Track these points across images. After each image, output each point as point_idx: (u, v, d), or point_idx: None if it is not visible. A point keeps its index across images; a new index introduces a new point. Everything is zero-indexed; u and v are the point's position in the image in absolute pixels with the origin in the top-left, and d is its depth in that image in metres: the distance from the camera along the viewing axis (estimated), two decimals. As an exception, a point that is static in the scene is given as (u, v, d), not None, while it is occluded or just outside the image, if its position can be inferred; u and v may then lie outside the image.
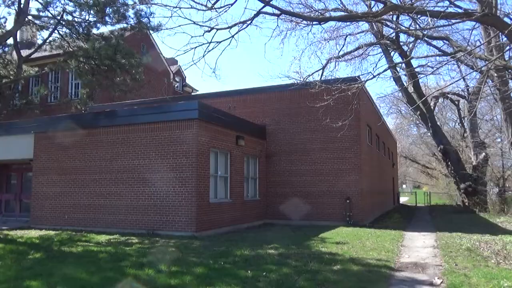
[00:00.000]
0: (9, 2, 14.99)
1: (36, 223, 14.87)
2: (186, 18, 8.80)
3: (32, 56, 20.77)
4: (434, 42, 14.86)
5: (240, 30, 8.27)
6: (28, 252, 9.44)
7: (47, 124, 15.58)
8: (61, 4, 14.49)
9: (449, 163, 25.62)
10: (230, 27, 8.92)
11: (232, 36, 8.49)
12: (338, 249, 9.88)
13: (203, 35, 9.01)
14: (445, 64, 10.53)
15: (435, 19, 7.48)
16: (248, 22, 8.21)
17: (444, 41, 14.37)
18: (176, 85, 34.08)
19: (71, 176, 14.54)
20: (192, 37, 8.88)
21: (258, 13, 8.19)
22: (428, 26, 8.36)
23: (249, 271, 7.40)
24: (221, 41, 8.50)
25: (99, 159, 14.07)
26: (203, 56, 8.67)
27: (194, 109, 12.93)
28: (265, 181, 17.81)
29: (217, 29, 9.15)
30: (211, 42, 8.56)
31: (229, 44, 10.41)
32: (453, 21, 7.78)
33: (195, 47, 8.46)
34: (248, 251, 9.53)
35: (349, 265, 8.03)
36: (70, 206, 14.41)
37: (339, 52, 18.12)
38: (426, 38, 10.31)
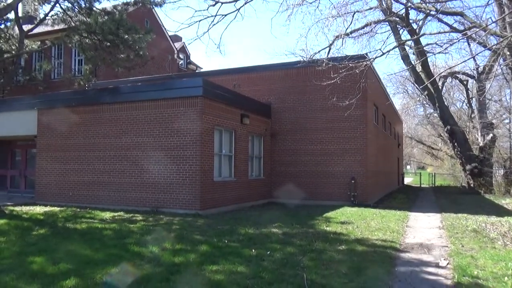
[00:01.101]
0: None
1: (41, 200, 14.93)
2: (190, -9, 8.49)
3: (35, 32, 20.45)
4: (446, 19, 14.39)
5: (246, 3, 7.99)
6: (33, 228, 9.46)
7: (50, 100, 15.45)
8: (63, -24, 14.10)
9: (455, 144, 25.36)
10: (235, 0, 8.62)
11: (238, 10, 8.22)
12: (343, 229, 9.83)
13: (207, 9, 8.77)
14: (456, 41, 10.18)
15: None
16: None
17: (456, 17, 13.93)
18: (180, 63, 33.69)
19: (75, 153, 14.49)
20: (196, 11, 8.62)
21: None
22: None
23: (253, 250, 7.37)
24: (226, 14, 8.23)
25: (103, 136, 13.98)
26: (208, 30, 8.42)
27: (199, 86, 12.71)
28: (270, 160, 17.71)
29: (222, 3, 8.85)
30: (216, 15, 8.29)
31: (234, 18, 10.12)
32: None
33: (200, 21, 8.23)
34: (253, 229, 9.50)
35: (354, 245, 7.97)
36: (75, 183, 14.42)
37: (346, 29, 17.69)
38: (438, 14, 9.93)
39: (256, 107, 16.68)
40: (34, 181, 15.95)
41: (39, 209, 13.07)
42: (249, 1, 8.10)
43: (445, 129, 26.32)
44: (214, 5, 8.77)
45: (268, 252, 7.22)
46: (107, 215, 11.77)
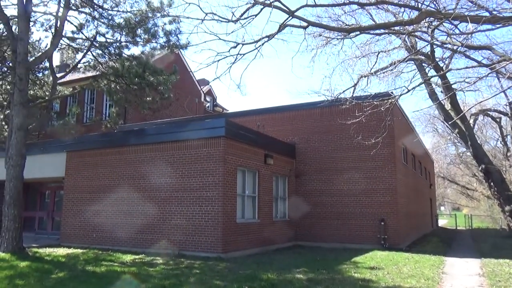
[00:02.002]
0: (47, 26, 15.61)
1: (66, 241, 14.93)
2: (212, 33, 8.62)
3: (69, 79, 21.52)
4: (474, 56, 14.07)
5: (265, 42, 8.02)
6: (52, 271, 9.31)
7: (78, 142, 15.84)
8: (94, 26, 14.85)
9: (491, 183, 24.04)
10: (256, 42, 8.69)
11: (257, 49, 8.24)
12: (372, 275, 9.16)
13: (229, 51, 8.84)
14: (484, 76, 9.79)
15: (476, 24, 6.90)
16: (274, 34, 7.95)
17: (484, 54, 13.57)
18: (207, 105, 34.36)
19: (100, 194, 14.58)
20: (218, 53, 8.69)
21: (284, 25, 7.91)
22: (468, 31, 7.77)
23: (275, 298, 6.88)
24: (246, 53, 8.26)
25: (127, 177, 14.05)
26: (227, 70, 8.46)
27: (221, 127, 12.70)
28: (295, 201, 17.21)
29: (243, 44, 8.94)
30: (235, 55, 8.35)
31: (254, 58, 10.31)
32: (497, 26, 7.16)
33: (218, 61, 8.28)
34: (275, 275, 9.00)
35: (384, 294, 7.34)
36: (99, 225, 14.39)
37: (371, 69, 17.57)
38: (464, 48, 9.66)
39: (280, 147, 16.49)
40: (60, 223, 16.05)
41: (62, 251, 13.00)
42: (269, 40, 8.11)
43: (480, 168, 25.11)
44: (235, 47, 8.86)
45: (291, 301, 6.72)
46: (128, 258, 11.53)
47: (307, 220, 16.90)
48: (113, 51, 15.06)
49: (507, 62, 8.00)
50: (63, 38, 14.66)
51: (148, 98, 14.58)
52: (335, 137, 16.84)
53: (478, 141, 27.17)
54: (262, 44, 8.32)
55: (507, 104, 24.69)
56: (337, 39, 13.05)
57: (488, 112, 28.82)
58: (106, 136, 15.62)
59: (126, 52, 15.08)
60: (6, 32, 14.36)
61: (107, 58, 15.38)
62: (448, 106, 24.11)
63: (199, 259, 11.31)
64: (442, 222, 43.21)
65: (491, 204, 34.75)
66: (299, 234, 16.93)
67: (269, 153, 15.07)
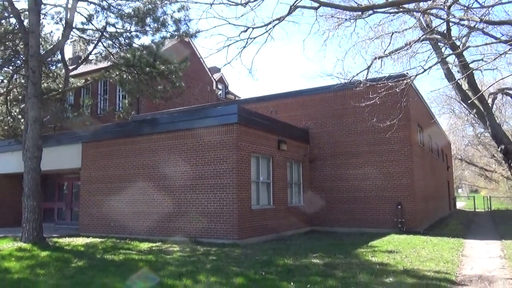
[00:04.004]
0: (58, 18, 15.65)
1: (84, 231, 15.18)
2: (221, 18, 8.47)
3: (81, 71, 21.62)
4: (492, 32, 13.55)
5: (276, 25, 7.83)
6: (72, 260, 9.47)
7: (93, 133, 15.96)
8: (104, 16, 14.81)
9: (511, 164, 23.47)
10: (266, 25, 8.51)
11: (267, 32, 8.06)
12: (390, 259, 9.06)
13: (239, 35, 8.67)
14: (503, 53, 9.41)
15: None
16: (284, 16, 7.76)
17: (503, 30, 13.04)
18: (219, 93, 34.27)
19: (116, 184, 14.72)
20: (228, 38, 8.55)
21: (295, 7, 7.71)
22: (488, 4, 7.42)
23: (291, 283, 6.86)
24: (256, 37, 8.10)
25: (142, 166, 14.13)
26: (238, 54, 8.32)
27: (234, 114, 12.61)
28: (310, 187, 17.12)
29: (254, 28, 8.76)
30: (246, 39, 8.19)
31: (265, 42, 10.11)
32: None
33: (228, 45, 8.12)
34: (292, 260, 8.98)
35: (403, 277, 7.24)
36: (116, 214, 14.56)
37: (385, 50, 17.15)
38: (483, 24, 9.27)
39: (294, 132, 16.34)
40: (78, 213, 16.32)
41: (81, 241, 13.23)
42: (280, 22, 7.92)
43: (499, 149, 24.50)
44: (245, 31, 8.69)
45: (308, 286, 6.69)
46: (145, 246, 11.66)
47: (323, 205, 16.80)
48: (123, 41, 15.03)
49: (529, 37, 7.64)
50: (73, 30, 14.67)
51: (159, 87, 14.57)
52: (349, 120, 16.60)
53: (497, 121, 26.48)
54: (273, 27, 8.13)
55: (527, 82, 23.88)
56: (350, 20, 12.72)
57: (508, 91, 27.96)
58: (120, 126, 15.70)
59: (137, 42, 15.05)
60: (18, 26, 14.44)
61: (118, 49, 15.37)
62: (465, 86, 23.47)
63: (215, 246, 11.37)
64: (460, 204, 42.64)
65: (511, 185, 34.06)
66: (314, 219, 16.87)
67: (283, 139, 14.95)
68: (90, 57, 15.96)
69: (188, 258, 9.56)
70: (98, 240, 13.32)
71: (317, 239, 13.41)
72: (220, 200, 12.28)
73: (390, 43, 18.16)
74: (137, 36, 15.10)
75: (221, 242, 11.77)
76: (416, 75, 10.17)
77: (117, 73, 14.45)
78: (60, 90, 14.99)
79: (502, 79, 20.68)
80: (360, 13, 9.17)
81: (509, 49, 10.01)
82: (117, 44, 15.13)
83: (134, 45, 14.82)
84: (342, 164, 16.59)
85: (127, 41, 14.99)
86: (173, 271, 8.04)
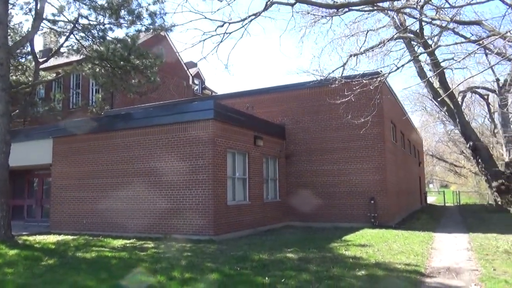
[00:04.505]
0: (27, 9, 15.09)
1: (56, 228, 14.80)
2: (197, 12, 8.37)
3: (52, 64, 21.00)
4: (463, 32, 13.98)
5: (252, 20, 7.82)
6: (42, 259, 9.21)
7: (64, 128, 15.54)
8: (76, 7, 14.40)
9: (479, 160, 24.36)
10: (242, 20, 8.47)
11: (244, 27, 8.04)
12: (363, 253, 9.25)
13: (215, 30, 8.61)
14: (473, 53, 9.72)
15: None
16: (261, 12, 7.75)
17: (473, 30, 13.46)
18: (195, 88, 33.99)
19: (89, 181, 14.41)
20: (204, 33, 8.48)
21: (271, 2, 7.71)
22: (458, 4, 7.65)
23: (266, 278, 6.90)
24: (231, 32, 8.06)
25: (116, 162, 13.87)
26: (214, 49, 8.25)
27: (210, 109, 12.54)
28: (285, 182, 17.25)
29: (230, 23, 8.71)
30: (222, 33, 8.14)
31: (241, 37, 10.04)
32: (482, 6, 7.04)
33: (204, 40, 8.06)
34: (267, 255, 9.04)
35: (375, 270, 7.40)
36: (88, 211, 14.27)
37: (360, 48, 17.42)
38: (454, 24, 9.55)
39: (270, 128, 16.39)
40: (49, 210, 15.89)
41: (52, 238, 12.89)
42: (256, 17, 7.91)
43: (468, 146, 25.39)
44: (222, 26, 8.64)
45: (282, 280, 6.75)
46: (119, 243, 11.48)
47: (298, 200, 16.95)
48: (96, 34, 14.67)
49: (496, 37, 7.92)
50: (44, 21, 14.20)
51: (134, 82, 14.30)
52: (325, 117, 16.78)
53: (466, 119, 27.39)
54: (249, 22, 8.12)
55: (495, 80, 24.78)
56: (326, 17, 12.84)
57: (476, 90, 28.97)
58: (93, 121, 15.34)
59: (110, 35, 14.73)
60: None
61: (90, 41, 14.99)
62: (436, 84, 24.17)
63: (190, 242, 11.30)
64: (431, 199, 43.89)
65: (478, 180, 35.35)
66: (290, 215, 17.01)
67: (259, 135, 14.98)
68: (62, 50, 15.52)
69: (163, 254, 9.47)
70: (70, 237, 13.02)
71: (292, 234, 13.53)
72: (195, 196, 12.20)
73: (365, 41, 18.37)
74: (111, 29, 14.78)
75: (196, 238, 11.72)
76: (389, 72, 10.39)
77: (90, 66, 14.10)
78: (29, 83, 14.53)
79: (471, 77, 21.39)
80: (335, 10, 9.25)
81: (478, 49, 10.35)
82: (90, 37, 14.75)
83: (107, 38, 14.49)
84: (318, 160, 16.78)
85: (100, 33, 14.64)
86: (147, 267, 7.95)
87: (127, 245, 11.09)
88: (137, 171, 13.36)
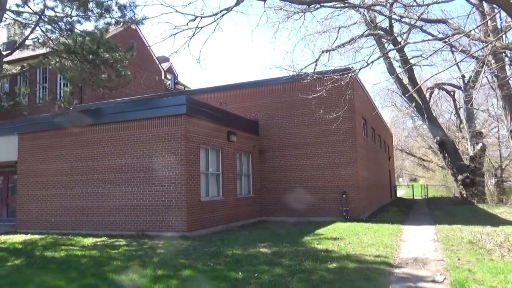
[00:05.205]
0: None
1: (23, 227, 14.31)
2: (168, 5, 8.24)
3: (16, 57, 20.17)
4: (430, 30, 14.42)
5: (224, 14, 7.78)
6: (8, 259, 8.92)
7: (30, 124, 15.02)
8: (41, -2, 13.86)
9: (446, 154, 25.25)
10: (214, 14, 8.41)
11: (216, 21, 7.99)
12: (334, 246, 9.43)
13: (187, 24, 8.51)
14: (440, 50, 10.06)
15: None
16: (233, 6, 7.71)
17: (440, 29, 13.91)
18: (168, 83, 33.52)
19: (57, 178, 14.00)
20: (175, 27, 8.37)
21: (243, -3, 7.68)
22: (425, 2, 7.88)
23: (240, 273, 6.94)
24: (203, 27, 7.99)
25: (85, 159, 13.54)
26: (187, 43, 8.18)
27: (182, 104, 12.42)
28: (259, 178, 17.33)
29: (202, 17, 8.64)
30: (194, 28, 8.06)
31: (213, 32, 9.93)
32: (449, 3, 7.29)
33: (175, 34, 7.96)
34: (240, 250, 9.07)
35: (345, 263, 7.57)
36: (57, 209, 13.87)
37: (332, 44, 17.67)
38: (421, 22, 9.83)
39: (243, 124, 16.40)
40: (15, 209, 15.34)
41: (18, 238, 12.47)
42: (228, 12, 7.87)
43: (435, 140, 26.26)
44: (194, 20, 8.54)
45: (256, 274, 6.80)
46: (89, 241, 11.23)
47: (272, 195, 17.08)
48: (64, 26, 14.18)
49: (461, 35, 8.21)
50: (7, 12, 13.61)
51: (103, 76, 13.94)
52: (298, 112, 16.93)
53: (434, 114, 28.29)
54: (221, 16, 8.07)
55: (460, 77, 25.70)
56: (298, 13, 12.94)
57: (443, 86, 29.94)
58: (61, 117, 14.87)
59: (78, 27, 14.28)
60: None
61: (57, 34, 14.47)
62: (406, 80, 24.83)
63: (163, 239, 11.20)
64: (400, 192, 45.17)
65: (445, 174, 36.62)
66: (264, 210, 17.12)
67: (232, 130, 14.97)
68: (27, 42, 14.93)
69: (135, 252, 9.34)
70: (37, 236, 12.64)
71: (265, 229, 13.63)
72: (168, 192, 12.08)
73: (337, 37, 18.77)
74: (79, 22, 14.33)
75: (169, 235, 11.62)
76: (360, 69, 10.56)
77: (57, 60, 13.65)
78: (-8, 77, 13.91)
79: (438, 73, 22.04)
80: (307, 6, 9.32)
81: (444, 46, 10.71)
82: (57, 29, 14.25)
83: (75, 30, 14.04)
84: (291, 155, 16.93)
85: (68, 26, 14.17)
86: (118, 266, 7.83)
87: (98, 243, 10.87)
88: (108, 167, 13.09)
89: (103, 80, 13.82)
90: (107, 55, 13.00)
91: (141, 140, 12.68)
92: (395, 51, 20.46)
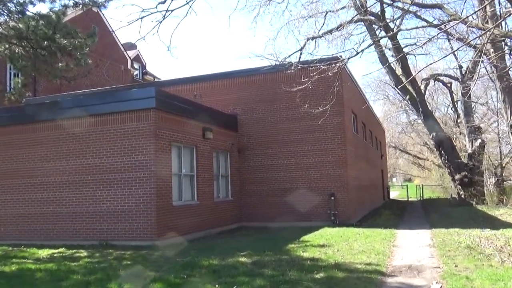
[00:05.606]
0: None
1: (-33, 238, 13.91)
2: (133, -14, 8.14)
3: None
4: (424, 16, 14.71)
5: (197, -4, 7.72)
6: (-51, 275, 8.64)
7: (-24, 120, 14.58)
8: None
9: (442, 152, 25.76)
10: (187, -4, 8.33)
11: (188, 3, 7.91)
12: (322, 254, 9.52)
13: (156, 7, 8.40)
14: (435, 37, 10.25)
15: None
16: (206, -12, 7.66)
17: (435, 14, 14.19)
18: (135, 73, 33.14)
19: (7, 181, 13.67)
20: (143, 9, 8.25)
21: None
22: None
23: (217, 285, 6.93)
24: (175, 9, 7.91)
25: (40, 159, 13.26)
26: (156, 28, 8.06)
27: (151, 97, 12.31)
28: (238, 179, 17.32)
29: (172, -1, 8.54)
30: (164, 11, 7.97)
31: (186, 15, 9.79)
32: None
33: (142, 17, 7.85)
34: (218, 260, 9.05)
35: (334, 272, 7.65)
36: (7, 217, 13.56)
37: (319, 31, 17.79)
38: (415, 7, 9.98)
39: (220, 119, 16.36)
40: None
41: (-38, 250, 12.10)
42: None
43: (431, 136, 26.78)
44: (164, 2, 8.45)
45: (235, 287, 6.80)
46: (45, 253, 11.00)
47: (252, 198, 17.11)
48: (13, 9, 13.78)
49: (457, 22, 8.37)
50: None
51: (61, 65, 13.63)
52: (281, 106, 16.98)
53: (429, 108, 28.86)
54: (194, -2, 8.00)
55: (457, 67, 26.26)
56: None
57: (439, 77, 30.52)
58: (11, 111, 14.53)
59: (31, 10, 13.93)
60: None
61: (6, 17, 14.09)
62: (399, 71, 25.20)
63: (130, 248, 11.08)
64: (394, 194, 45.96)
65: (442, 173, 37.41)
66: (244, 215, 17.14)
67: (208, 126, 14.92)
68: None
69: (98, 264, 9.21)
70: (-16, 248, 12.29)
71: (246, 236, 13.64)
72: (136, 196, 11.96)
73: (324, 23, 18.79)
74: (31, 3, 13.92)
75: (137, 244, 11.50)
76: (349, 58, 10.69)
77: (6, 46, 13.25)
78: None
79: (433, 63, 22.56)
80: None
81: (439, 33, 10.91)
82: (6, 12, 13.85)
83: (27, 13, 13.69)
84: (274, 153, 16.97)
85: (18, 8, 13.76)
86: (78, 280, 7.70)
87: (55, 255, 10.67)
88: (66, 169, 12.87)
89: (60, 70, 13.49)
90: (64, 41, 12.69)
91: (104, 138, 12.50)
92: (387, 38, 20.80)
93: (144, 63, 35.64)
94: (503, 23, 12.38)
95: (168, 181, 12.51)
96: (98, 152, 12.53)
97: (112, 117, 12.50)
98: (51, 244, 12.37)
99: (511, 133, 17.74)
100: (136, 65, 33.41)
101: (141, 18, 8.04)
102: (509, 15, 7.58)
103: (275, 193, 16.80)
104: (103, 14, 26.76)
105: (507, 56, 14.40)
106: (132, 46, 32.15)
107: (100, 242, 12.01)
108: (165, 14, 8.48)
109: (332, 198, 15.86)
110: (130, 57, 30.86)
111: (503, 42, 11.16)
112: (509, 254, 8.81)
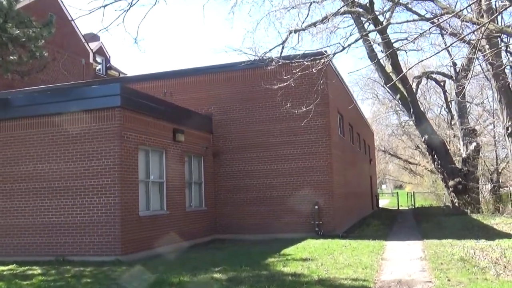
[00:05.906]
0: None
1: None
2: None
3: None
4: (416, 9, 15.01)
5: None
6: None
7: None
8: None
9: (435, 156, 26.24)
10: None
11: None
12: (304, 268, 9.57)
13: (121, -5, 8.32)
14: (427, 31, 10.47)
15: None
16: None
17: (427, 7, 14.50)
18: (97, 68, 32.79)
19: (-50, 189, 13.31)
20: (106, -4, 8.16)
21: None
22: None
23: (187, 305, 6.88)
24: (140, -2, 7.88)
25: (-12, 164, 12.97)
26: (121, 17, 7.97)
27: (116, 95, 12.24)
28: (213, 187, 17.28)
29: (139, -14, 8.48)
30: None
31: (154, 4, 9.67)
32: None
33: (105, 5, 7.76)
34: (189, 277, 9.02)
35: (317, 289, 7.70)
36: (-51, 229, 13.19)
37: (302, 23, 17.94)
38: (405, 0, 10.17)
39: (193, 119, 16.31)
40: None
41: None
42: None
43: (423, 139, 27.25)
44: (130, -11, 8.39)
45: (207, 306, 6.77)
46: (-7, 270, 10.76)
47: (229, 208, 17.08)
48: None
49: (451, 15, 8.56)
50: None
51: (13, 58, 13.43)
52: (260, 105, 17.02)
53: (422, 108, 29.40)
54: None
55: (451, 65, 26.83)
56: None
57: (432, 75, 31.15)
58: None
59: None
60: None
61: None
62: (389, 68, 25.62)
63: (91, 265, 10.93)
64: (383, 202, 46.62)
65: (434, 179, 38.12)
66: (219, 226, 17.09)
67: (179, 128, 14.86)
68: None
69: (54, 283, 9.07)
70: None
71: (221, 250, 13.61)
72: (97, 206, 11.84)
73: (308, 14, 19.00)
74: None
75: (99, 260, 11.36)
76: (335, 53, 10.82)
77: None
78: None
79: (426, 59, 23.03)
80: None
81: (431, 28, 11.15)
82: None
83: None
84: (252, 158, 16.99)
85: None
86: (31, 301, 7.55)
87: (4, 272, 10.46)
88: (17, 175, 12.65)
89: (12, 63, 13.31)
90: (17, 31, 12.51)
91: (61, 140, 12.34)
92: (376, 32, 21.09)
93: (108, 57, 35.26)
94: (499, 17, 12.79)
95: (134, 189, 12.40)
96: (55, 157, 12.34)
97: (71, 117, 12.34)
98: (0, 260, 12.10)
99: (508, 136, 18.20)
100: (98, 59, 33.03)
101: (104, 6, 7.94)
102: (505, 8, 7.80)
103: (254, 202, 16.81)
104: (61, 1, 26.43)
105: (503, 53, 14.86)
106: (94, 38, 31.75)
107: (56, 257, 11.81)
108: (131, 2, 8.42)
109: (316, 207, 15.95)
110: (92, 50, 30.48)
111: (499, 38, 11.50)
112: (505, 267, 9.03)
